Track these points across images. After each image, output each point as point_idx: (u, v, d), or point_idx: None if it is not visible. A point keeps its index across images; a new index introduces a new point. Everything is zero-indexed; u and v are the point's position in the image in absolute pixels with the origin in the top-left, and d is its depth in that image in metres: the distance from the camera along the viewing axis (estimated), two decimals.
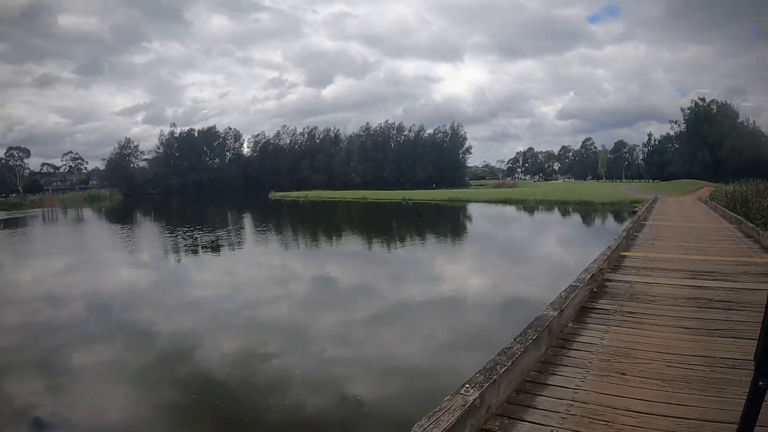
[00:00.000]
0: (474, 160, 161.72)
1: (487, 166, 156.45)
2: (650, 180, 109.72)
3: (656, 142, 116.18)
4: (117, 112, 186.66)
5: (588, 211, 44.53)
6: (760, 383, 0.98)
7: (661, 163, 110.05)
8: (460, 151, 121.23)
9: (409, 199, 60.38)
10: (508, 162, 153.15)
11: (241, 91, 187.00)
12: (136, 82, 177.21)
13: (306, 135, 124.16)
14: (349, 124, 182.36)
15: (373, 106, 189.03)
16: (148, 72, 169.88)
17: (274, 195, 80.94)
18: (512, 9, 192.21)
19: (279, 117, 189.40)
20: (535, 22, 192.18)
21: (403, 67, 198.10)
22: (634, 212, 36.46)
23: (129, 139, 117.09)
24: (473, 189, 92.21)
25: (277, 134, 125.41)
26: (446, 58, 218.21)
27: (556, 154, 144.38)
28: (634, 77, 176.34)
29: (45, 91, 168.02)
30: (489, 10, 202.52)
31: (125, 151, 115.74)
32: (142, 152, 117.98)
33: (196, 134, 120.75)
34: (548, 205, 50.98)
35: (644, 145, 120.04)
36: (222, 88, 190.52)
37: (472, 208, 50.84)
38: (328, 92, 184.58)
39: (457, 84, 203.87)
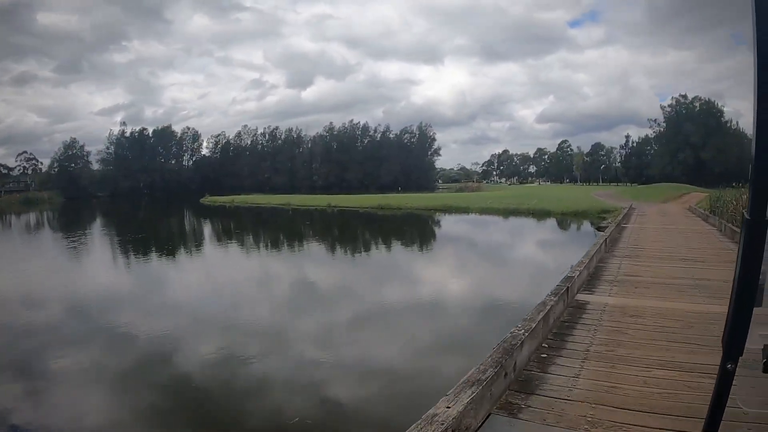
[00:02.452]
0: (451, 163, 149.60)
1: (462, 168, 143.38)
2: (628, 183, 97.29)
3: (634, 144, 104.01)
4: (96, 112, 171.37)
5: (534, 225, 31.77)
6: (728, 366, 0.98)
7: (640, 165, 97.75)
8: (429, 153, 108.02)
9: (335, 206, 47.46)
10: (483, 165, 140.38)
11: (221, 92, 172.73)
12: (115, 82, 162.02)
13: (267, 135, 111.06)
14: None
15: (353, 108, 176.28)
16: (128, 71, 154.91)
17: (206, 199, 68.03)
18: (494, 12, 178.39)
19: (259, 118, 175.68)
20: (516, 25, 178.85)
21: (384, 69, 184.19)
22: (600, 229, 24.22)
23: (75, 139, 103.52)
24: (437, 193, 79.66)
25: (238, 135, 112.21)
26: (427, 60, 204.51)
27: (532, 156, 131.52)
28: (614, 82, 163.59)
29: (23, 90, 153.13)
30: (471, 13, 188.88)
31: (70, 151, 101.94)
32: (89, 152, 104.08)
33: (149, 133, 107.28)
34: (492, 214, 38.06)
35: (622, 147, 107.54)
36: (202, 88, 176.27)
37: (395, 218, 38.12)
38: (309, 94, 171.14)
39: (438, 86, 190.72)
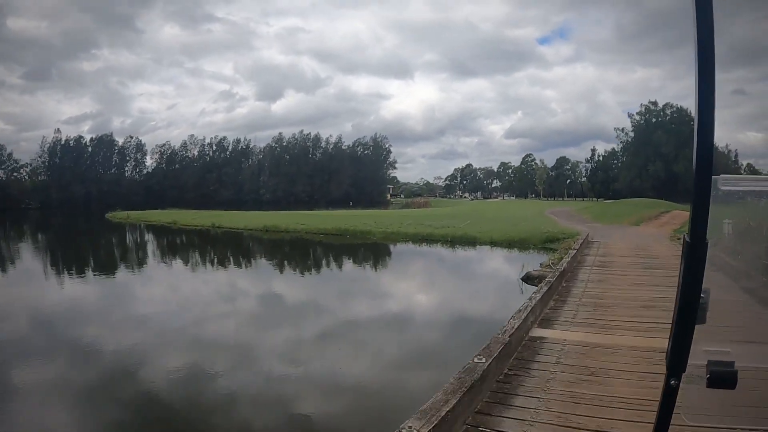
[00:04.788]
0: (418, 178, 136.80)
1: (426, 183, 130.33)
2: (594, 198, 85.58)
3: (600, 158, 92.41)
4: (63, 121, 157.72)
5: (423, 267, 18.64)
6: (672, 382, 0.98)
7: (606, 180, 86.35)
8: (384, 165, 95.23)
9: (219, 226, 34.21)
10: (446, 179, 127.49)
11: (190, 103, 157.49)
12: (84, 90, 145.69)
13: (215, 146, 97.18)
14: None
15: (322, 122, 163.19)
16: (97, 80, 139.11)
17: (111, 215, 54.16)
18: (465, 28, 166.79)
19: (228, 130, 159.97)
20: (486, 42, 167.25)
21: (355, 83, 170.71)
22: (530, 279, 12.08)
23: (2, 145, 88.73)
24: (379, 210, 67.11)
25: (184, 144, 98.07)
26: (398, 75, 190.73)
27: (496, 171, 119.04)
28: (582, 98, 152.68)
29: None
30: (442, 29, 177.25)
31: None
32: (17, 160, 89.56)
33: (87, 142, 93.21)
34: (398, 241, 25.21)
35: (587, 161, 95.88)
36: (171, 99, 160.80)
37: (260, 243, 25.31)
38: (278, 107, 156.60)
39: (408, 101, 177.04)
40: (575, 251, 11.15)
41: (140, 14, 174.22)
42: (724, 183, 0.96)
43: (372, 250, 23.61)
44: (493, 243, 22.63)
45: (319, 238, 27.82)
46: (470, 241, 23.38)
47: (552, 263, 14.12)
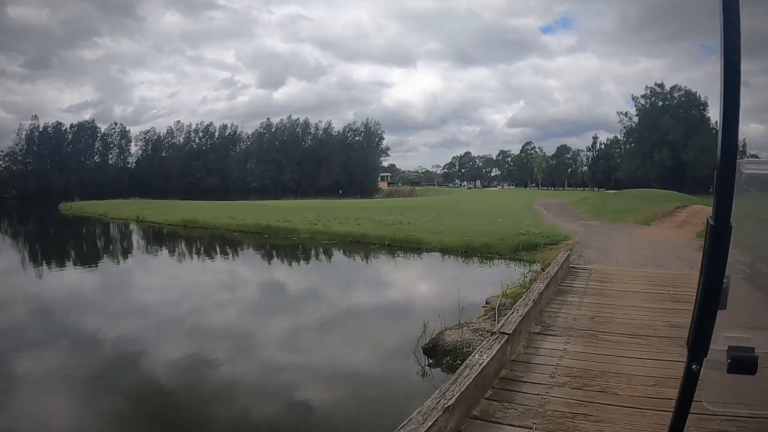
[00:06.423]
0: (415, 166, 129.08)
1: (426, 171, 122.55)
2: (595, 188, 77.76)
3: (602, 147, 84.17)
4: (64, 109, 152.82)
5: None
6: (693, 366, 0.96)
7: (608, 169, 78.40)
8: (377, 152, 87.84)
9: (142, 219, 27.72)
10: (445, 167, 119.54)
11: (191, 91, 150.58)
12: (85, 78, 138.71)
13: (201, 132, 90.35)
14: None
15: (325, 110, 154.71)
16: (98, 68, 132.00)
17: (63, 206, 47.84)
18: (467, 17, 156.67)
19: (229, 118, 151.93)
20: (489, 30, 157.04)
21: (356, 72, 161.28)
22: (432, 352, 4.95)
23: None
24: (362, 199, 60.19)
25: (170, 131, 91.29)
26: (400, 63, 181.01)
27: (495, 159, 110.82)
28: (584, 88, 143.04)
29: None
30: (444, 18, 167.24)
31: None
32: None
33: (67, 129, 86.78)
34: (325, 242, 18.36)
35: (588, 149, 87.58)
36: (172, 87, 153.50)
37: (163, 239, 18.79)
38: (280, 94, 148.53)
39: (410, 90, 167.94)
40: (521, 317, 4.15)
41: (141, 2, 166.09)
42: (747, 167, 0.91)
43: (261, 259, 16.83)
44: (445, 249, 15.68)
45: (234, 236, 21.06)
46: (414, 246, 16.43)
47: (503, 305, 7.43)
